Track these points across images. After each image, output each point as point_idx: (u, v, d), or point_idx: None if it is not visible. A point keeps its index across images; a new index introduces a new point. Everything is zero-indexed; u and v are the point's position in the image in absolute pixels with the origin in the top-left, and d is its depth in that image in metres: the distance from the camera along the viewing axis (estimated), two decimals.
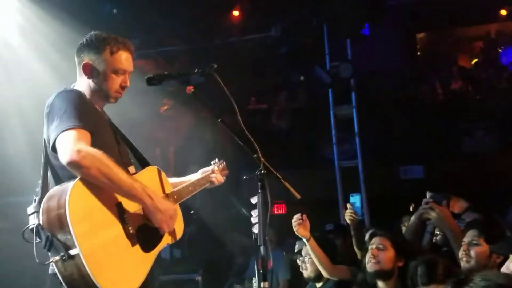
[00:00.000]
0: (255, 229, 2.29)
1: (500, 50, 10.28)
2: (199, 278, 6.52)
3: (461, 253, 3.02)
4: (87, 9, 6.09)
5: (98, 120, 2.45)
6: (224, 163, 3.23)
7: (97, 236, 2.13)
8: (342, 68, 6.87)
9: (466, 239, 3.05)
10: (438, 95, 9.48)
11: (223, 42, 7.63)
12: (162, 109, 8.22)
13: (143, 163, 2.69)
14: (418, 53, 11.01)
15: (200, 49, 7.59)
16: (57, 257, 2.07)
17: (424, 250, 3.57)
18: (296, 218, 3.69)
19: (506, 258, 2.88)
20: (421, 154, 7.91)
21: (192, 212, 7.17)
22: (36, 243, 2.15)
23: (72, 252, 2.06)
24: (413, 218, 3.61)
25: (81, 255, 2.05)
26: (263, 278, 2.20)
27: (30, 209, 2.26)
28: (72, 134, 2.20)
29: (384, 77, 8.62)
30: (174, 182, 2.85)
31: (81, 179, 2.16)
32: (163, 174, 2.67)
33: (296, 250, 4.92)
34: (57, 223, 2.10)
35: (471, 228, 3.09)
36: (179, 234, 2.63)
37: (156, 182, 2.61)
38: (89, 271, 2.05)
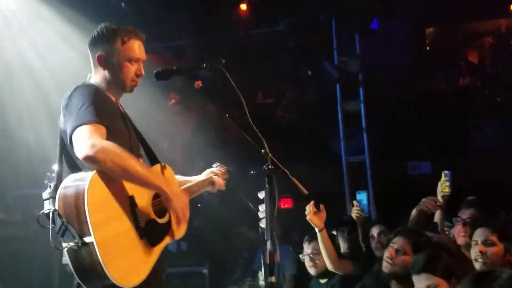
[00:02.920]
0: (262, 224, 2.30)
1: (510, 45, 10.18)
2: (205, 271, 6.56)
3: (475, 254, 2.95)
4: (94, 3, 6.10)
5: (113, 114, 2.48)
6: (225, 168, 3.20)
7: (110, 227, 2.18)
8: (350, 63, 6.85)
9: (478, 239, 2.96)
10: (447, 90, 9.41)
11: (231, 36, 7.61)
12: (170, 103, 8.23)
13: (151, 158, 2.70)
14: (427, 48, 10.92)
15: (207, 44, 7.57)
16: (72, 243, 2.11)
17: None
18: (310, 205, 3.68)
19: None
20: (429, 150, 7.87)
21: (199, 205, 7.20)
22: (51, 228, 2.20)
23: (87, 240, 2.10)
24: (414, 211, 3.62)
25: (95, 244, 2.09)
26: (270, 272, 2.21)
27: (45, 194, 2.29)
28: (87, 129, 2.26)
29: (392, 72, 8.57)
30: (180, 180, 2.87)
31: (99, 171, 2.22)
32: (171, 172, 2.68)
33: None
34: (74, 211, 2.14)
35: (479, 226, 3.03)
36: (183, 231, 2.64)
37: (166, 180, 2.59)
38: (101, 260, 2.09)
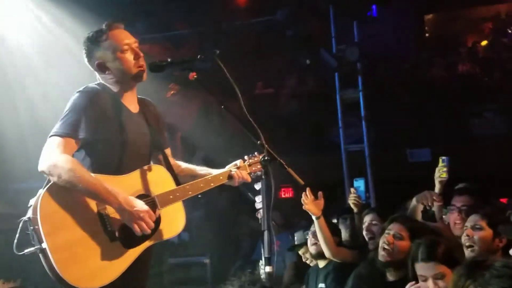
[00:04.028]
0: (259, 215, 2.32)
1: (510, 31, 10.14)
2: (207, 260, 6.60)
3: (464, 238, 3.01)
4: None
5: (105, 122, 2.51)
6: (257, 157, 2.96)
7: (65, 234, 2.31)
8: (348, 51, 6.80)
9: (468, 224, 3.03)
10: (447, 77, 9.38)
11: (229, 25, 7.57)
12: (169, 94, 8.22)
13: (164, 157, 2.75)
14: (427, 35, 10.87)
15: (206, 33, 7.54)
16: (32, 249, 2.30)
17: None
18: (305, 194, 3.67)
19: (509, 243, 2.87)
20: (428, 137, 7.87)
21: (199, 196, 7.21)
22: (17, 235, 2.38)
23: (42, 245, 2.28)
24: (413, 201, 3.62)
25: (48, 249, 2.26)
26: (267, 262, 2.23)
27: (30, 201, 2.39)
28: (56, 141, 2.41)
29: (391, 60, 8.53)
30: (197, 173, 2.88)
31: (54, 183, 2.35)
32: (159, 173, 2.67)
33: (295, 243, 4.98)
34: (34, 219, 2.32)
35: (472, 212, 3.08)
36: (175, 230, 2.66)
37: (152, 181, 2.60)
38: (54, 264, 2.25)
